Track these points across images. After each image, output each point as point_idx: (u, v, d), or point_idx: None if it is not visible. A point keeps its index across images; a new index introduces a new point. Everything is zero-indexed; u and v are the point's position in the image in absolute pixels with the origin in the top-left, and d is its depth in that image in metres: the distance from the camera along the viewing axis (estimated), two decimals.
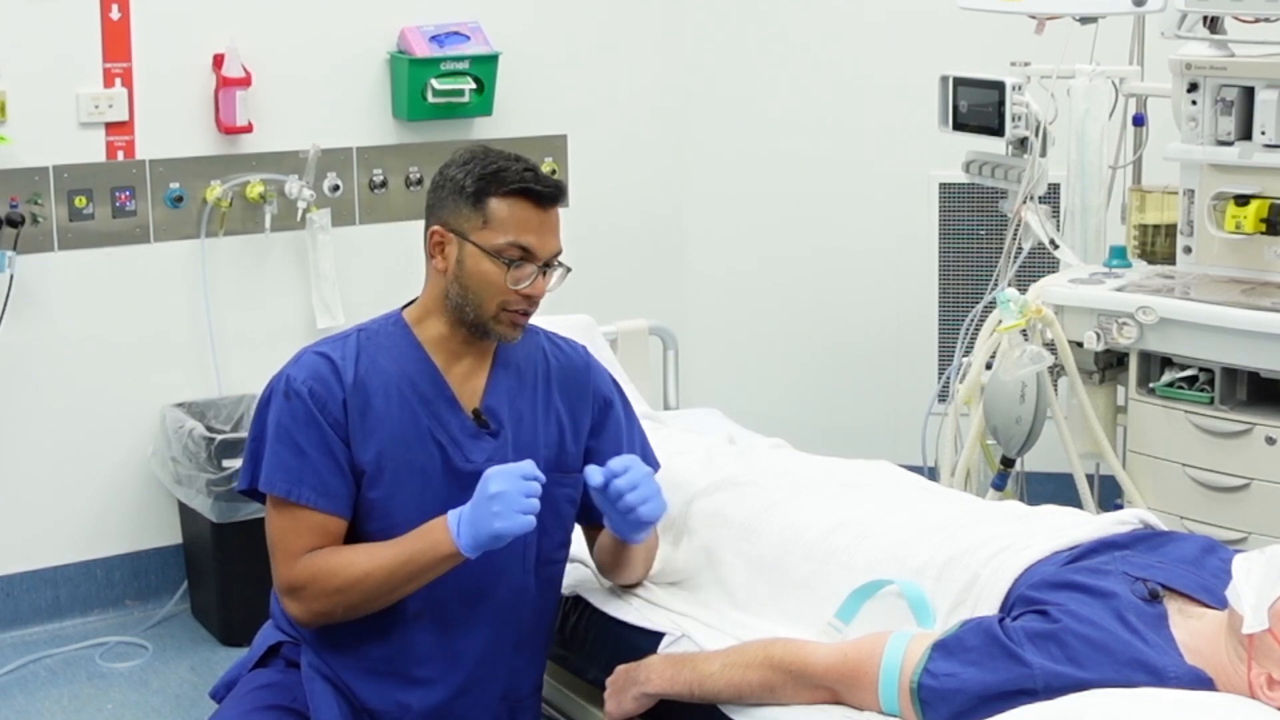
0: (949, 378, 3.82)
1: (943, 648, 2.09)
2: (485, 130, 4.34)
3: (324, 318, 4.15)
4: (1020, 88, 3.62)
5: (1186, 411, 3.31)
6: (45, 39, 3.77)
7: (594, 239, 4.36)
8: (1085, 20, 3.63)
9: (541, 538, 2.40)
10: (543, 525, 2.40)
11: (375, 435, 2.29)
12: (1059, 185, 3.82)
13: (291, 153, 4.07)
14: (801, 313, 4.77)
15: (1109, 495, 3.72)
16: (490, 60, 4.24)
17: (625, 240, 4.55)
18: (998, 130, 3.64)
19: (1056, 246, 3.72)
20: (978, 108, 3.68)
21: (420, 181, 4.30)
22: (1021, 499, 3.69)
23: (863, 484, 2.69)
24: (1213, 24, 3.44)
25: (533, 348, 2.47)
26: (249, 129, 4.00)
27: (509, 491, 2.17)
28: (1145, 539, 2.30)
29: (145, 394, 3.98)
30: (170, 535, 4.05)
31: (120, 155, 3.90)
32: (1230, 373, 3.25)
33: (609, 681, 2.39)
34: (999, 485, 3.56)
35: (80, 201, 3.86)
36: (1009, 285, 3.58)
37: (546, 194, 2.31)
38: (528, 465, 2.20)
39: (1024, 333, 3.40)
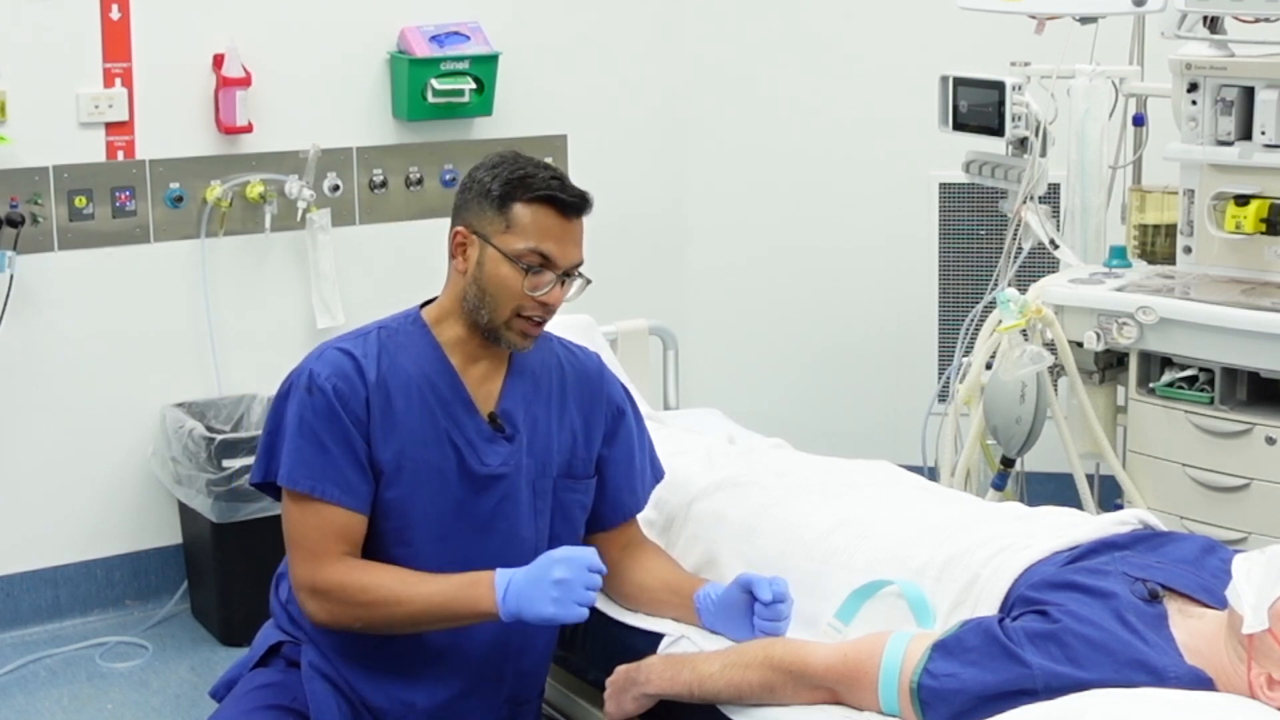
0: (949, 378, 3.82)
1: (942, 648, 2.09)
2: (485, 130, 4.34)
3: (324, 318, 4.15)
4: (1020, 88, 3.62)
5: (1186, 411, 3.31)
6: (45, 39, 3.77)
7: (594, 239, 4.31)
8: (1085, 20, 3.63)
9: (552, 543, 2.41)
10: (553, 531, 2.42)
11: (395, 435, 2.30)
12: (1059, 185, 3.82)
13: (291, 153, 4.07)
14: (801, 313, 4.77)
15: (1109, 495, 3.72)
16: (490, 60, 4.24)
17: (625, 240, 4.55)
18: (998, 130, 3.64)
19: (1056, 246, 3.72)
20: (978, 108, 3.68)
21: (420, 181, 4.30)
22: (1021, 499, 3.69)
23: (863, 484, 2.69)
24: (1213, 24, 3.44)
25: (547, 353, 2.47)
26: (249, 129, 4.00)
27: (572, 581, 2.17)
28: (1145, 539, 2.30)
29: (145, 394, 3.98)
30: (170, 535, 4.05)
31: (120, 155, 3.89)
32: (1230, 373, 3.25)
33: (609, 682, 2.39)
34: (999, 485, 3.56)
35: (80, 201, 3.86)
36: (1009, 285, 3.58)
37: (571, 203, 2.31)
38: (593, 556, 2.21)
39: (1024, 333, 3.40)
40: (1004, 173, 3.72)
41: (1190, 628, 2.06)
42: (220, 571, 3.82)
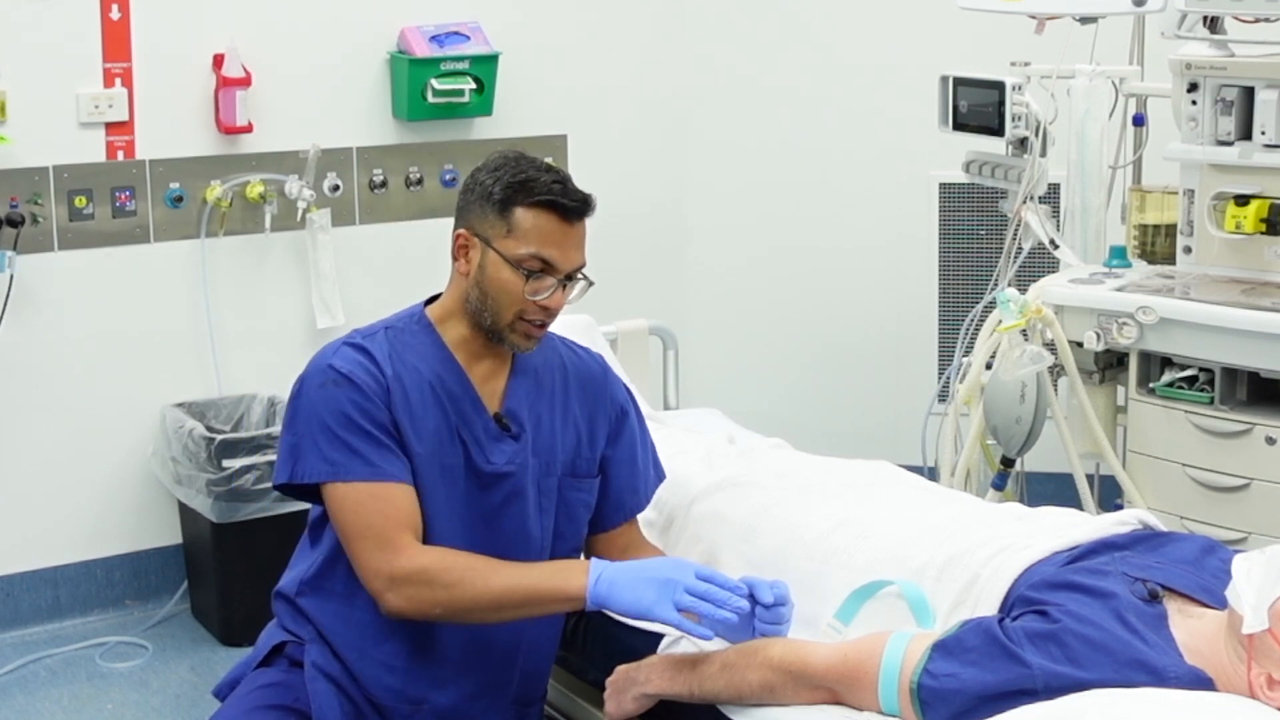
0: (949, 378, 3.82)
1: (942, 648, 2.09)
2: (485, 130, 4.35)
3: (324, 318, 4.15)
4: (1020, 88, 3.62)
5: (1186, 411, 3.31)
6: (45, 39, 3.77)
7: (594, 239, 4.31)
8: (1085, 20, 3.63)
9: (556, 542, 2.42)
10: (558, 529, 2.42)
11: (412, 429, 2.30)
12: (1059, 185, 3.82)
13: (291, 153, 4.07)
14: (801, 313, 4.77)
15: (1109, 495, 3.72)
16: (490, 60, 4.24)
17: (625, 240, 4.55)
18: (998, 130, 3.64)
19: (1056, 246, 3.72)
20: (978, 108, 3.68)
21: (420, 181, 4.30)
22: (1021, 499, 3.69)
23: (862, 484, 2.69)
24: (1213, 24, 3.44)
25: (550, 353, 2.47)
26: (249, 129, 4.00)
27: (679, 582, 2.16)
28: (1145, 539, 2.30)
29: (145, 394, 3.98)
30: (170, 535, 4.05)
31: (120, 155, 3.90)
32: (1230, 373, 3.25)
33: (609, 682, 2.39)
34: (999, 485, 3.56)
35: (80, 201, 3.86)
36: (1009, 285, 3.58)
37: (573, 208, 2.30)
38: (707, 569, 2.22)
39: (1024, 333, 3.40)
40: (1004, 173, 3.72)
41: (1190, 628, 2.06)
42: (220, 571, 3.82)
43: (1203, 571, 2.18)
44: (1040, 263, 3.84)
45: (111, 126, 3.87)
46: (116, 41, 3.84)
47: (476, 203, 2.32)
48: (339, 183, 4.17)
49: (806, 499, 2.59)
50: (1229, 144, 3.39)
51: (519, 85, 4.36)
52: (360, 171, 4.22)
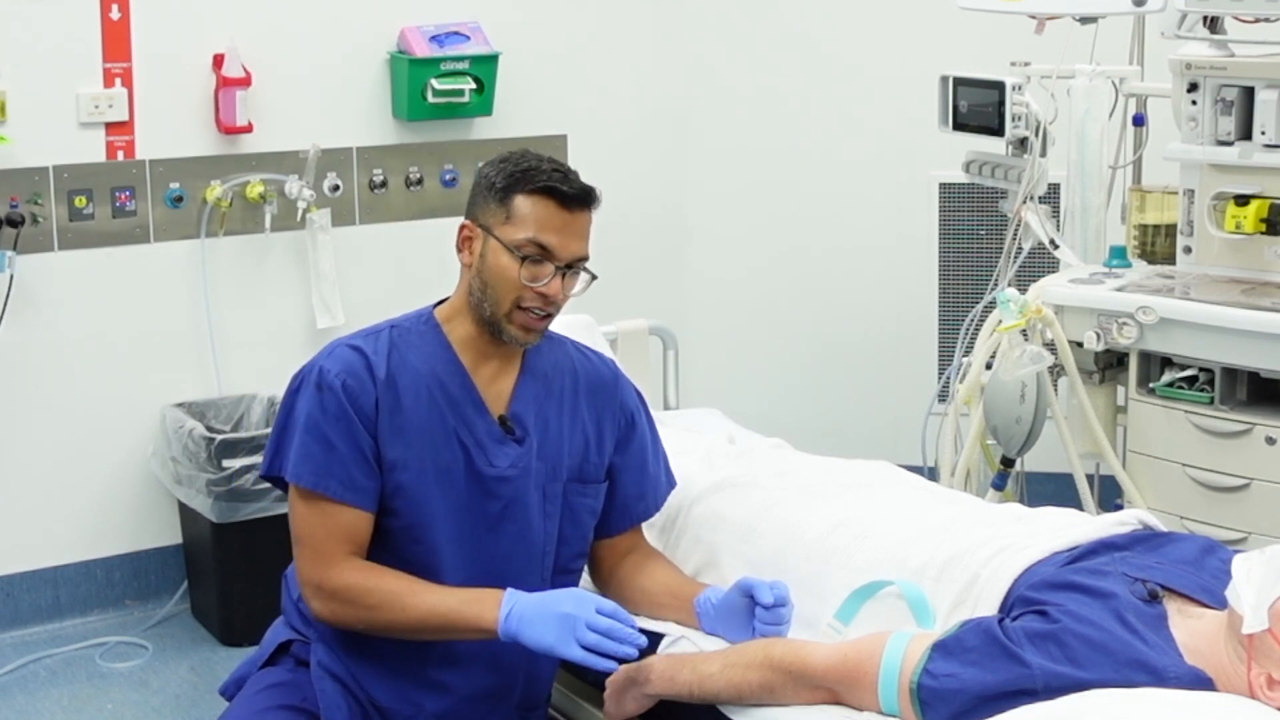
0: (949, 378, 3.82)
1: (942, 648, 2.09)
2: (485, 130, 4.35)
3: (324, 318, 4.15)
4: (1020, 88, 3.62)
5: (1186, 411, 3.31)
6: (45, 39, 3.77)
7: (595, 239, 4.33)
8: (1085, 20, 3.63)
9: (560, 547, 2.42)
10: (562, 534, 2.41)
11: (404, 433, 2.30)
12: (1059, 185, 3.81)
13: (291, 153, 4.07)
14: (802, 313, 4.77)
15: (1109, 495, 3.72)
16: (490, 60, 4.24)
17: (626, 240, 4.55)
18: (998, 130, 3.64)
19: (1056, 246, 3.72)
20: (978, 108, 3.68)
21: (420, 181, 4.30)
22: (1021, 499, 3.69)
23: (862, 484, 2.69)
24: (1213, 24, 3.44)
25: (561, 356, 2.47)
26: (249, 129, 4.00)
27: (577, 617, 2.16)
28: (1144, 540, 2.30)
29: (145, 394, 3.98)
30: (170, 535, 4.05)
31: (120, 155, 3.90)
32: (1230, 373, 3.25)
33: (609, 682, 2.39)
34: (999, 485, 3.56)
35: (80, 201, 3.86)
36: (1009, 285, 3.58)
37: (572, 195, 2.31)
38: (608, 601, 2.21)
39: (1024, 333, 3.40)
40: (1004, 173, 3.72)
41: (1190, 628, 2.06)
42: (220, 571, 3.82)
43: (1203, 571, 2.18)
44: (1040, 263, 3.84)
45: (111, 126, 3.87)
46: (116, 41, 3.84)
47: (481, 194, 2.34)
48: (339, 183, 4.17)
49: (806, 499, 2.59)
50: (1229, 144, 3.39)
51: (519, 85, 4.36)
52: (360, 171, 4.22)
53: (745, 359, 4.81)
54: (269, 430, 3.83)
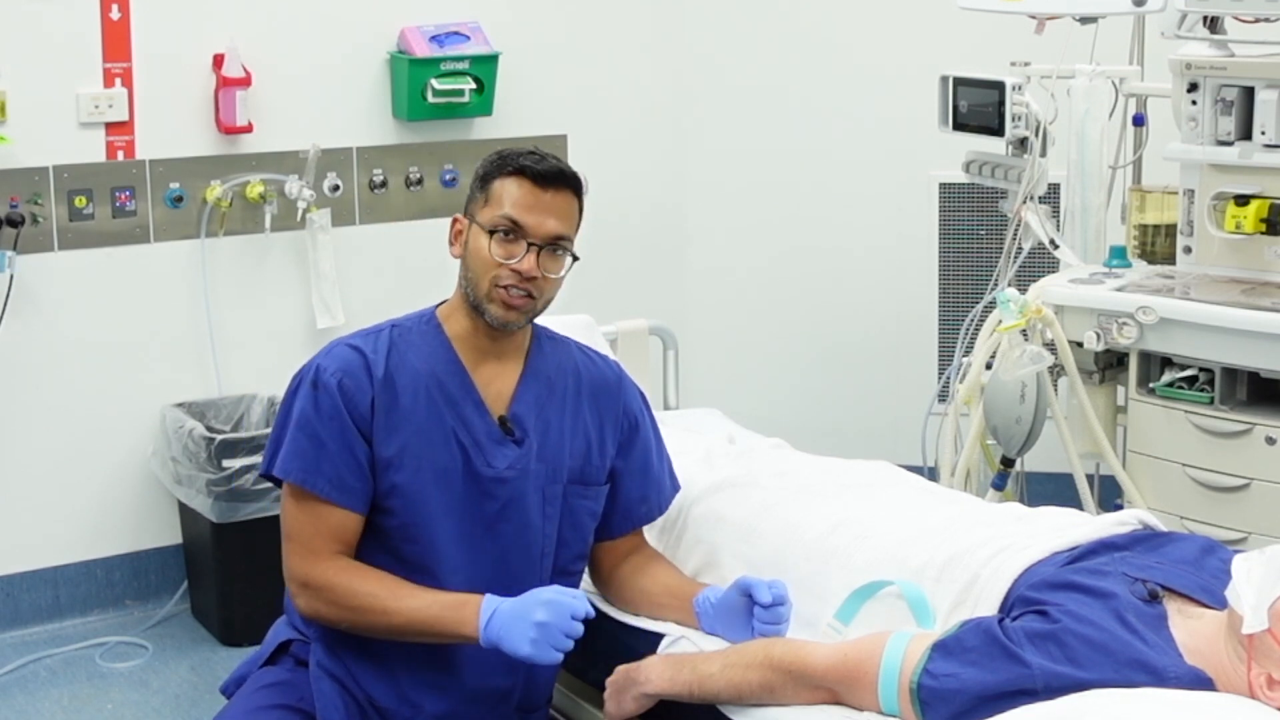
0: (949, 378, 3.82)
1: (942, 648, 2.09)
2: (485, 130, 4.34)
3: (324, 318, 4.15)
4: (1020, 88, 3.62)
5: (1186, 411, 3.31)
6: (45, 39, 3.77)
7: (594, 239, 4.32)
8: (1085, 20, 3.63)
9: (560, 549, 2.42)
10: (561, 537, 2.41)
11: (400, 433, 2.30)
12: (1059, 185, 3.82)
13: (291, 153, 4.07)
14: (802, 313, 4.77)
15: (1109, 495, 3.72)
16: (490, 60, 4.24)
17: (625, 240, 4.55)
18: (998, 130, 3.64)
19: (1056, 246, 3.72)
20: (978, 108, 3.68)
21: (420, 181, 4.30)
22: (1021, 499, 3.69)
23: (862, 484, 2.69)
24: (1213, 24, 3.44)
25: (564, 358, 2.47)
26: (249, 129, 4.00)
27: (553, 625, 2.16)
28: (1144, 539, 2.30)
29: (145, 394, 3.98)
30: (170, 535, 4.05)
31: (120, 155, 3.89)
32: (1230, 373, 3.25)
33: (609, 682, 2.39)
34: (999, 485, 3.56)
35: (80, 201, 3.86)
36: (1009, 285, 3.58)
37: (543, 172, 2.32)
38: (578, 604, 2.19)
39: (1024, 333, 3.40)
40: (1004, 173, 3.72)
41: (1190, 628, 2.06)
42: (220, 571, 3.82)
43: (1203, 571, 2.18)
44: (1040, 263, 3.84)
45: (111, 126, 3.87)
46: (116, 41, 3.84)
47: (470, 188, 2.37)
48: (339, 183, 4.17)
49: (806, 499, 2.59)
50: (1229, 144, 3.39)
51: (519, 85, 4.36)
52: (360, 171, 4.22)
53: (745, 359, 4.81)
54: (269, 430, 3.84)
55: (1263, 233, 3.34)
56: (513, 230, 2.30)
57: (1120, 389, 3.57)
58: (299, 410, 2.29)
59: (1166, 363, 3.36)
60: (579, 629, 2.18)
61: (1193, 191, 3.48)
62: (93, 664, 3.75)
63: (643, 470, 2.52)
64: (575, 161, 4.48)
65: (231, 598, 3.82)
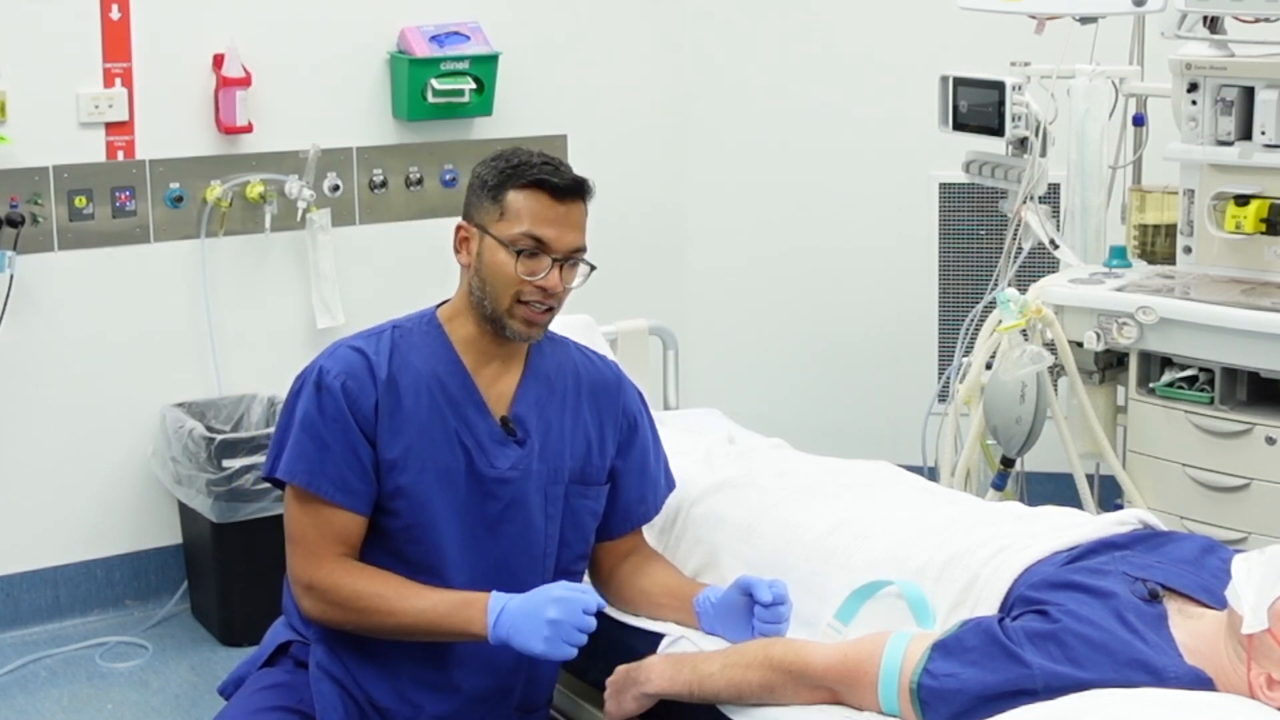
0: (949, 378, 3.82)
1: (942, 648, 2.09)
2: (485, 130, 4.35)
3: (324, 318, 4.15)
4: (1020, 88, 3.62)
5: (1186, 411, 3.31)
6: (45, 39, 3.77)
7: (594, 239, 4.33)
8: (1085, 20, 3.63)
9: (561, 549, 2.42)
10: (563, 537, 2.41)
11: (403, 434, 2.30)
12: (1059, 185, 3.82)
13: (291, 153, 4.07)
14: (801, 313, 4.77)
15: (1109, 495, 3.72)
16: (490, 60, 4.24)
17: (625, 240, 4.55)
18: (998, 130, 3.64)
19: (1056, 246, 3.72)
20: (978, 108, 3.68)
21: (420, 181, 4.30)
22: (1021, 499, 3.69)
23: (862, 484, 2.69)
24: (1213, 24, 3.44)
25: (564, 358, 2.47)
26: (249, 129, 4.00)
27: (565, 622, 2.17)
28: (1145, 539, 2.30)
29: (145, 394, 3.98)
30: (170, 535, 4.05)
31: (120, 155, 3.90)
32: (1230, 373, 3.25)
33: (609, 682, 2.39)
34: (999, 485, 3.56)
35: (80, 201, 3.86)
36: (1009, 285, 3.58)
37: (563, 186, 2.31)
38: (589, 599, 2.20)
39: (1024, 333, 3.40)
40: (1004, 173, 3.72)
41: (1190, 628, 2.06)
42: (220, 571, 3.82)
43: (1203, 571, 2.18)
44: (1040, 263, 3.84)
45: (111, 126, 3.87)
46: (116, 41, 3.84)
47: (474, 194, 2.35)
48: (339, 183, 4.17)
49: (806, 499, 2.59)
50: (1229, 144, 3.39)
51: (519, 85, 4.36)
52: (360, 171, 4.22)
53: (745, 359, 4.81)
54: (269, 430, 3.87)
55: (1263, 233, 3.34)
56: (537, 247, 2.29)
57: (1120, 389, 3.57)
58: (302, 412, 2.29)
59: (1166, 363, 3.36)
60: (592, 623, 2.18)
61: (1193, 191, 3.48)
62: (93, 664, 3.75)
63: (641, 470, 2.52)
64: (575, 161, 4.46)
65: (231, 598, 3.82)
